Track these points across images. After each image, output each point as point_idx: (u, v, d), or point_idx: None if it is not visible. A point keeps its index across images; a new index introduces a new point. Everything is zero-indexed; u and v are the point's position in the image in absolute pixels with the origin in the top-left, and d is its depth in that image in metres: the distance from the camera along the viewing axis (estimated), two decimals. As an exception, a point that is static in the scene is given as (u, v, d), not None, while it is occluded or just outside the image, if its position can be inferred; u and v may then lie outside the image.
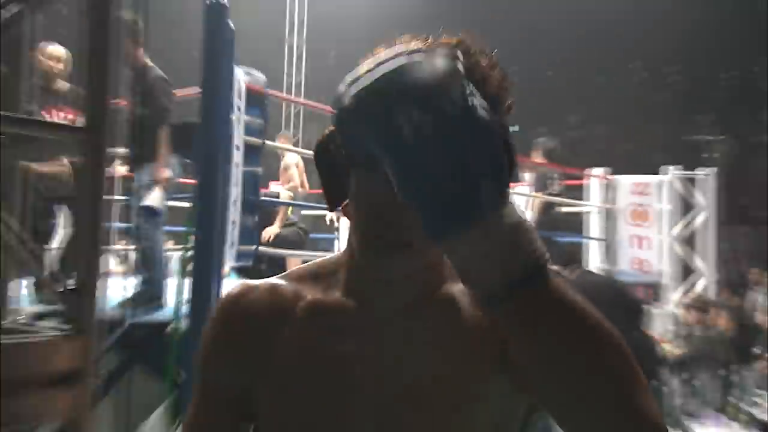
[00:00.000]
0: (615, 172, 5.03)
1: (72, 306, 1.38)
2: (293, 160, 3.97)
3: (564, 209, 4.59)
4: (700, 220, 4.86)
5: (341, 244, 4.46)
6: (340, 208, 0.55)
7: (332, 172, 0.54)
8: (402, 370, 0.54)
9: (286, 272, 0.63)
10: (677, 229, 4.79)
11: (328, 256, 0.65)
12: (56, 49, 2.63)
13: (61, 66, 2.64)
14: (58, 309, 1.49)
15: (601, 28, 10.74)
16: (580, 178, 5.06)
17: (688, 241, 4.89)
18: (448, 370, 0.55)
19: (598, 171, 4.95)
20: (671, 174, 4.84)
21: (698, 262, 4.84)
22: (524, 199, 4.32)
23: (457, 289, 0.57)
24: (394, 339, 0.55)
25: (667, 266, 4.72)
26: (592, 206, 4.95)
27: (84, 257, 1.41)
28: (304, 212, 4.26)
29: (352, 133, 0.38)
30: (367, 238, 0.52)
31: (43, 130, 1.81)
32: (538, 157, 4.29)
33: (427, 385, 0.54)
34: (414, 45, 0.41)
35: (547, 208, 4.21)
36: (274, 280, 0.61)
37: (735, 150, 11.37)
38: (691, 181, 4.99)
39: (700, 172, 5.06)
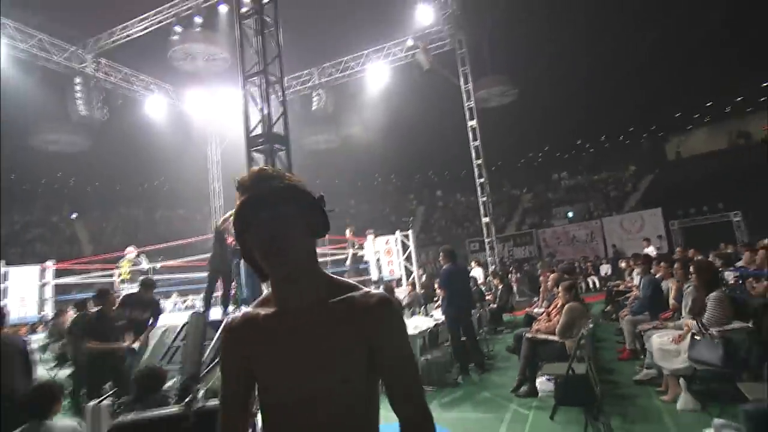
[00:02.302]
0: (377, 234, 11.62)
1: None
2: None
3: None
4: (410, 250, 11.77)
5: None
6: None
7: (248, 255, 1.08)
8: (308, 347, 1.03)
9: (255, 301, 1.16)
10: (403, 256, 11.56)
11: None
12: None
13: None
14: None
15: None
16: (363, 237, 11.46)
17: (407, 259, 11.72)
18: (335, 344, 1.02)
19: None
20: (398, 234, 11.66)
21: (413, 268, 11.67)
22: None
23: (337, 297, 1.06)
24: (301, 329, 1.04)
25: (401, 271, 11.37)
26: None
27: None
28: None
29: (246, 223, 1.02)
30: (268, 269, 1.04)
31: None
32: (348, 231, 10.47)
33: (324, 353, 1.02)
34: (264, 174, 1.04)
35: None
36: (249, 308, 1.14)
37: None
38: (406, 235, 11.92)
39: (407, 233, 12.09)
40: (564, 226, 25.60)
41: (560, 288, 4.86)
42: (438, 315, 6.97)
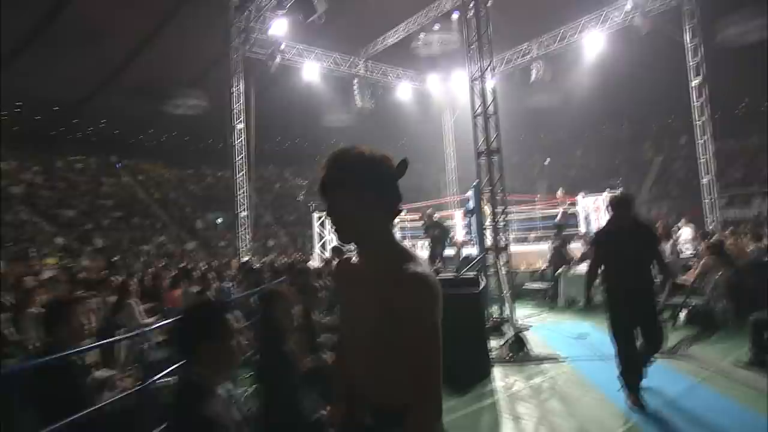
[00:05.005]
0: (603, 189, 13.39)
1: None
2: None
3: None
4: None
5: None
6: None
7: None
8: (356, 300, 1.26)
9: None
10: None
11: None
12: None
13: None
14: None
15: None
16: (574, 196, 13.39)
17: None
18: (371, 305, 1.20)
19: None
20: (606, 193, 13.14)
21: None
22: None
23: (390, 265, 1.19)
24: (357, 285, 1.28)
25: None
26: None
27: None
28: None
29: (325, 191, 1.27)
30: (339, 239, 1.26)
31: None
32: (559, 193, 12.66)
33: (363, 311, 1.23)
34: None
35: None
36: (351, 256, 1.41)
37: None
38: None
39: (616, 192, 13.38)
40: None
41: (703, 245, 6.44)
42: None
